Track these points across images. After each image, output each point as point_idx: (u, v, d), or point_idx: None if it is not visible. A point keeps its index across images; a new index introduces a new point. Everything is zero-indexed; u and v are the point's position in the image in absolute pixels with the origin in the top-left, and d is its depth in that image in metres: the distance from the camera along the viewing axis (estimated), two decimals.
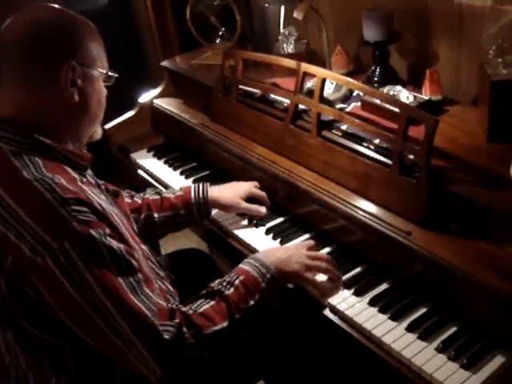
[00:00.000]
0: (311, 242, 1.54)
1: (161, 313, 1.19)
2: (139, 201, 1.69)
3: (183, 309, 1.26)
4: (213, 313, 1.26)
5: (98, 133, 1.38)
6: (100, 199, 1.19)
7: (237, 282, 1.32)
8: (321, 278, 1.45)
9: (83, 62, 1.23)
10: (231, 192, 1.75)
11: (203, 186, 1.75)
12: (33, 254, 1.08)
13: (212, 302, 1.28)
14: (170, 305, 1.24)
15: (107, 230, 1.14)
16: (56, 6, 1.28)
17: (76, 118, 1.26)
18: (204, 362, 1.26)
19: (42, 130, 1.20)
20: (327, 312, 1.40)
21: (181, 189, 1.78)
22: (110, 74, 1.32)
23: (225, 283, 1.32)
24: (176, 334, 1.19)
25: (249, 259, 1.41)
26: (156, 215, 1.68)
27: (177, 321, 1.21)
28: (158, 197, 1.72)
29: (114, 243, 1.14)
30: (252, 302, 1.31)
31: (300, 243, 1.54)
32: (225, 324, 1.26)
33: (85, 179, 1.24)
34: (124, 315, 1.14)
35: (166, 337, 1.18)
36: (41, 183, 1.11)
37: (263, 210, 1.74)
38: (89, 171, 1.32)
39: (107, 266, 1.13)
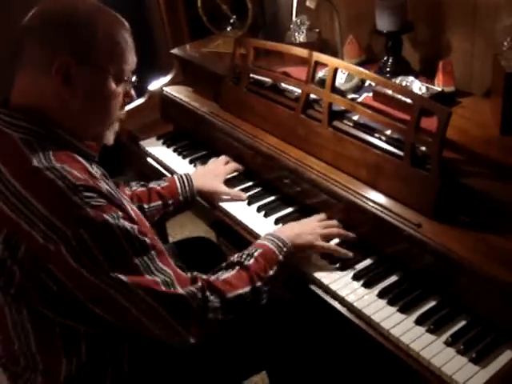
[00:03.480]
0: (322, 215, 1.59)
1: (182, 280, 1.22)
2: (128, 192, 1.70)
3: (204, 276, 1.29)
4: (234, 279, 1.31)
5: (107, 138, 1.31)
6: (108, 186, 1.19)
7: (256, 253, 1.38)
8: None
9: (87, 61, 1.17)
10: (213, 178, 1.83)
11: (187, 176, 1.80)
12: (45, 241, 1.08)
13: (233, 271, 1.33)
14: (189, 273, 1.27)
15: (120, 213, 1.14)
16: None
17: (76, 115, 1.21)
18: (229, 325, 1.31)
19: (50, 119, 1.18)
20: (335, 303, 1.39)
21: (165, 180, 1.80)
22: (125, 78, 1.25)
23: (244, 255, 1.38)
24: (200, 297, 1.22)
25: (266, 235, 1.47)
26: (146, 206, 1.71)
27: (199, 284, 1.24)
28: (144, 188, 1.75)
29: (127, 224, 1.14)
30: (271, 272, 1.37)
31: (311, 218, 1.59)
32: (247, 289, 1.31)
33: (94, 168, 1.23)
34: (144, 292, 1.15)
35: (191, 300, 1.20)
36: (52, 171, 1.10)
37: (243, 195, 1.80)
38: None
39: (122, 249, 1.13)
